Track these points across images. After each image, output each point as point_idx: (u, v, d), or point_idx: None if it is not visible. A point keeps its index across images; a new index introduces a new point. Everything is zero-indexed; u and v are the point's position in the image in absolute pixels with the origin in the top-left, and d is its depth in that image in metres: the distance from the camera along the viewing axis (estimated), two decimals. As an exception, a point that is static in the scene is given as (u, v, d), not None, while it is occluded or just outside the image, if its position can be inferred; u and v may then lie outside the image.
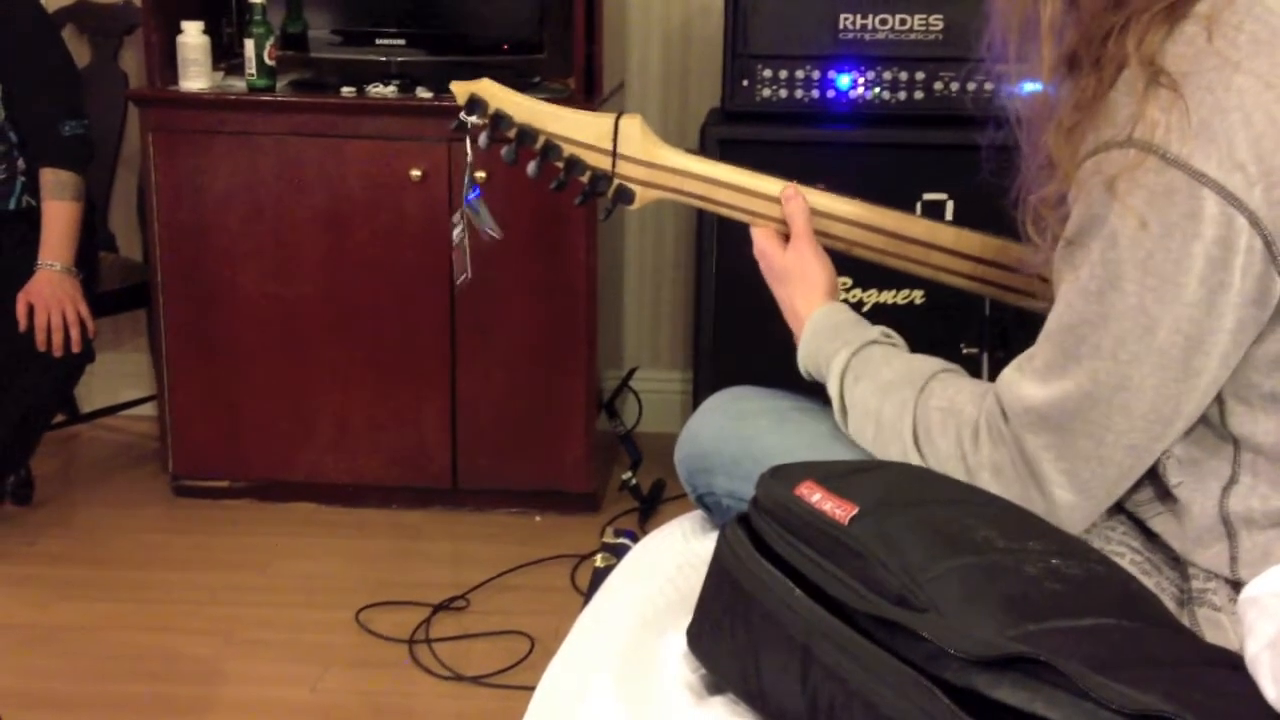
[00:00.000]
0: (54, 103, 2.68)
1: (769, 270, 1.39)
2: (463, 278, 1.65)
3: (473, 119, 1.44)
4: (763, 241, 1.39)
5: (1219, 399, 1.05)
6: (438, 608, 2.44)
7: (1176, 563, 1.11)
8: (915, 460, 1.14)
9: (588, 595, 1.80)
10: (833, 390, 1.25)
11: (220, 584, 2.55)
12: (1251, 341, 1.02)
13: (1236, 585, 1.06)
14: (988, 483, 1.09)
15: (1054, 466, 1.05)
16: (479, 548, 2.71)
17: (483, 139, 1.45)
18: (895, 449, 1.16)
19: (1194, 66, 0.97)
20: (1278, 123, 0.95)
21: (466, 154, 1.49)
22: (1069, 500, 1.06)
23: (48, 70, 2.70)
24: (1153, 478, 1.11)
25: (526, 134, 1.42)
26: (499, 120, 1.43)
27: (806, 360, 1.31)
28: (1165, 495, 1.10)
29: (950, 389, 1.15)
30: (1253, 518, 1.05)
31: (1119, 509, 1.16)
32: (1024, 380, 1.07)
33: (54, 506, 2.88)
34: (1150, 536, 1.14)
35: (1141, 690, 0.74)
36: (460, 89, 1.45)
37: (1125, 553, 1.12)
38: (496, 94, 1.44)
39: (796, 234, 1.36)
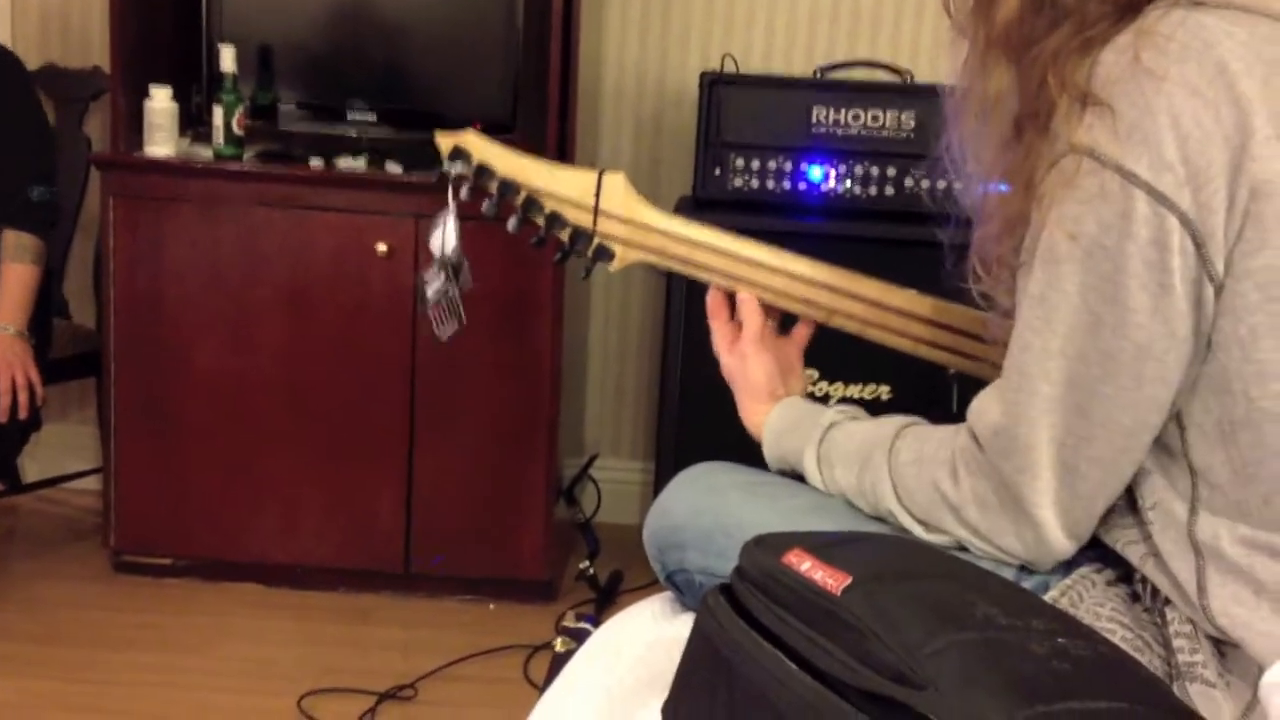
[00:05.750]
0: (26, 166, 2.64)
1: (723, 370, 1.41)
2: (452, 330, 1.58)
3: (456, 169, 1.40)
4: (715, 341, 1.41)
5: (1179, 425, 1.03)
6: (384, 696, 2.35)
7: (1163, 638, 1.08)
8: (906, 520, 1.15)
9: (546, 682, 1.73)
10: (818, 486, 1.25)
11: (160, 665, 2.45)
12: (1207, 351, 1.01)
13: (1219, 644, 1.03)
14: (975, 517, 1.09)
15: (1031, 487, 1.05)
16: (429, 635, 2.62)
17: (464, 191, 1.42)
18: (886, 510, 1.17)
19: (1121, 75, 0.99)
20: (1204, 127, 0.96)
21: (448, 203, 1.45)
22: (1051, 520, 1.06)
23: (24, 133, 2.66)
24: (1135, 512, 1.09)
25: (508, 187, 1.39)
26: (482, 172, 1.40)
27: (779, 465, 1.32)
28: (1149, 536, 1.08)
29: (916, 441, 1.16)
30: (1221, 551, 1.02)
31: (1112, 582, 1.12)
32: (989, 404, 1.08)
33: (-11, 580, 2.78)
34: (1139, 609, 1.10)
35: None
36: (445, 139, 1.42)
37: (1116, 629, 1.08)
38: (481, 146, 1.41)
39: (742, 337, 1.38)
